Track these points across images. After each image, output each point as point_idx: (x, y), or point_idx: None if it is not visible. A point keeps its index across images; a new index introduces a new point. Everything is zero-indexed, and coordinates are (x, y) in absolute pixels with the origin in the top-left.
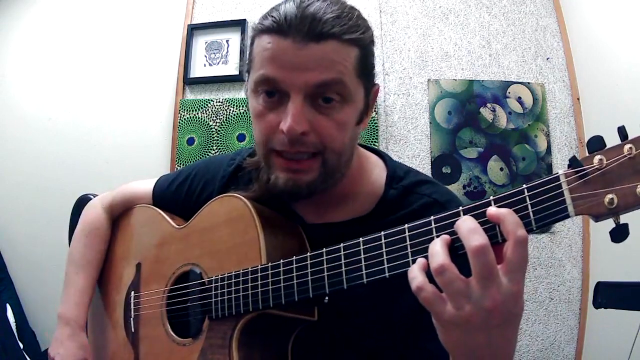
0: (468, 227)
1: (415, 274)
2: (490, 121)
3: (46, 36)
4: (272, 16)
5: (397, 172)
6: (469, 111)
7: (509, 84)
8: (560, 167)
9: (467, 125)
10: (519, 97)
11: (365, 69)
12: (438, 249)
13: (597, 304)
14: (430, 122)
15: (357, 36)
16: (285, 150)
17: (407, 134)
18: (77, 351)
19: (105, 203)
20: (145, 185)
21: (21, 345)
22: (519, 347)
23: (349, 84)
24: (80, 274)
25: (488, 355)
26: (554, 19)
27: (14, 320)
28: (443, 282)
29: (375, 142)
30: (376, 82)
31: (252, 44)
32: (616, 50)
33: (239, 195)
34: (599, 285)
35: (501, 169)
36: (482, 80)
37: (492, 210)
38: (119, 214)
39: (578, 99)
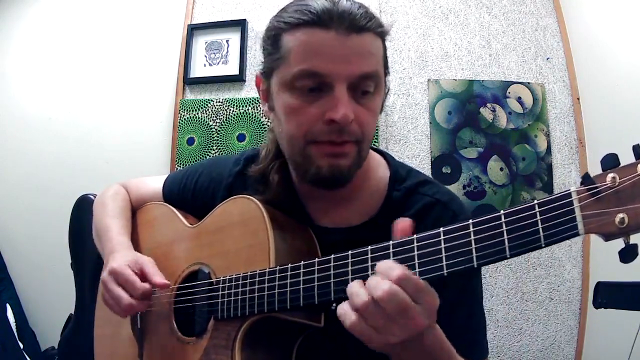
0: (374, 281)
1: (345, 309)
2: (490, 121)
3: (46, 36)
4: (306, 11)
5: (399, 172)
6: (469, 111)
7: (509, 84)
8: (560, 167)
9: (467, 125)
10: (519, 97)
11: (386, 60)
12: (358, 289)
13: (597, 304)
14: (430, 122)
15: (384, 29)
16: (331, 140)
17: (407, 134)
18: (126, 255)
19: (121, 186)
20: (155, 184)
21: (21, 345)
22: (519, 347)
23: (381, 75)
24: (117, 218)
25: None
26: (554, 19)
27: (14, 320)
28: (369, 317)
29: (375, 142)
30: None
31: (277, 40)
32: (616, 50)
33: (252, 197)
34: (599, 285)
35: (501, 169)
36: (482, 80)
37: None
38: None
39: (578, 99)
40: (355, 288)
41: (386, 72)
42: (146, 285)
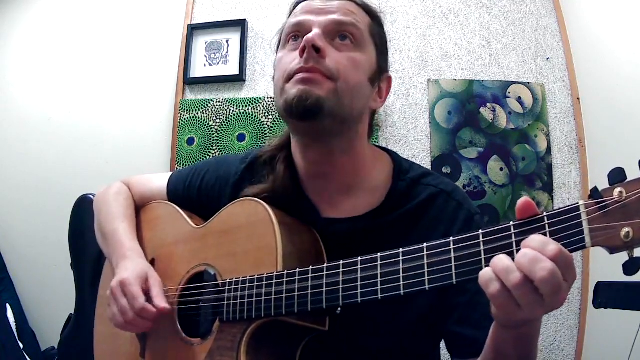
0: (530, 258)
1: (489, 278)
2: (490, 121)
3: (46, 36)
4: None
5: (403, 165)
6: (469, 111)
7: (509, 84)
8: (560, 167)
9: (467, 125)
10: (519, 97)
11: (377, 36)
12: (509, 263)
13: (597, 304)
14: (430, 122)
15: (367, 6)
16: (301, 67)
17: (407, 134)
18: (137, 265)
19: (123, 184)
20: (159, 182)
21: (21, 345)
22: None
23: (363, 32)
24: (123, 220)
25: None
26: (554, 19)
27: (14, 320)
28: (520, 295)
29: (375, 142)
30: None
31: (289, 16)
32: (616, 50)
33: (259, 200)
34: (599, 285)
35: (501, 169)
36: (482, 80)
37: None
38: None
39: (578, 99)
40: (505, 262)
41: (378, 45)
42: (147, 305)
